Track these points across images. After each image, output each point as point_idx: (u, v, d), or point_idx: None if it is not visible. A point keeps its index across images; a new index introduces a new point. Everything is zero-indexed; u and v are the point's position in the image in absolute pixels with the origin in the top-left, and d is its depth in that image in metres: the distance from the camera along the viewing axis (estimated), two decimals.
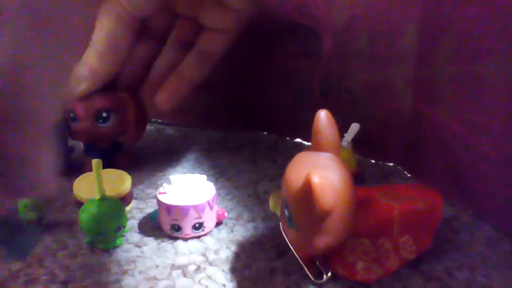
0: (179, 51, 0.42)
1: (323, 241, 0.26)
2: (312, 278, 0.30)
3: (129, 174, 0.38)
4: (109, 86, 0.39)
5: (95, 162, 0.31)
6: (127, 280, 0.30)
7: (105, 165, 0.32)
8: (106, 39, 0.35)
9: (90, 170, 0.33)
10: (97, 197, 0.32)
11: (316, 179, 0.24)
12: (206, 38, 0.40)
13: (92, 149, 0.41)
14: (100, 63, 0.36)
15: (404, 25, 0.38)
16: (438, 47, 0.35)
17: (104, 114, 0.38)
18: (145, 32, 0.38)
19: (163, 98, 0.41)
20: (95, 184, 0.32)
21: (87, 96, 0.38)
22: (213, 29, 0.39)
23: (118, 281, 0.30)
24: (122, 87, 0.40)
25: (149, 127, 0.44)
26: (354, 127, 0.39)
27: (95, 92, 0.38)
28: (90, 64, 0.36)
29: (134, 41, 0.37)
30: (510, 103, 0.31)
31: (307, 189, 0.25)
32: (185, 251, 0.33)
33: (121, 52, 0.37)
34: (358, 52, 0.41)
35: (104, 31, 0.35)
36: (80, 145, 0.45)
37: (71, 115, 0.39)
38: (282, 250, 0.32)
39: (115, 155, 0.42)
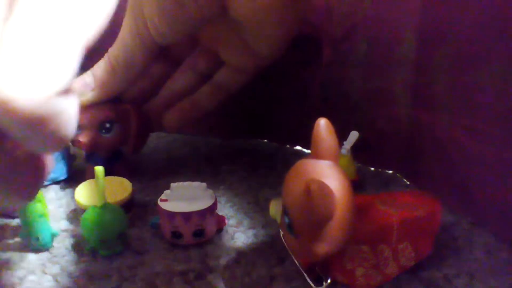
0: (197, 78, 0.42)
1: (322, 248, 0.27)
2: (312, 285, 0.30)
3: (130, 181, 0.38)
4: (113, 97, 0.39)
5: (98, 170, 0.31)
6: (128, 287, 0.30)
7: (106, 173, 0.32)
8: (123, 58, 0.35)
9: (92, 177, 0.33)
10: (99, 204, 0.32)
11: (315, 187, 0.24)
12: (224, 73, 0.41)
13: (93, 157, 0.41)
14: (111, 79, 0.36)
15: (403, 33, 0.38)
16: (437, 55, 0.36)
17: (107, 125, 0.39)
18: (162, 52, 0.37)
19: (173, 119, 0.42)
20: (97, 191, 0.32)
21: (91, 106, 0.38)
22: (233, 67, 0.40)
23: (119, 287, 0.30)
24: (127, 99, 0.40)
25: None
26: (353, 135, 0.39)
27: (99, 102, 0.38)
28: (101, 77, 0.36)
29: (150, 64, 0.37)
30: (508, 110, 0.31)
31: (307, 197, 0.25)
32: (185, 258, 0.33)
33: (135, 73, 0.36)
34: (358, 60, 0.41)
35: (123, 49, 0.35)
36: (81, 152, 0.45)
37: None
38: (282, 257, 0.33)
39: (116, 163, 0.42)
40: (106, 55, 0.36)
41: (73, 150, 0.43)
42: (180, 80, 0.43)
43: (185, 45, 0.41)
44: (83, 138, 0.39)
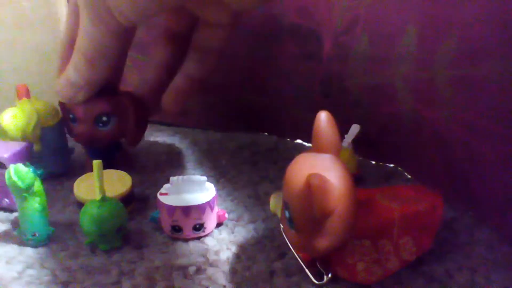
0: (172, 44, 0.42)
1: (323, 243, 0.26)
2: (313, 279, 0.30)
3: (130, 175, 0.38)
4: (109, 89, 0.39)
5: (96, 163, 0.31)
6: (128, 281, 0.30)
7: (105, 165, 0.32)
8: (95, 49, 0.35)
9: (91, 170, 0.33)
10: (98, 198, 0.32)
11: (316, 181, 0.24)
12: (204, 33, 0.40)
13: (93, 149, 0.41)
14: (92, 72, 0.36)
15: (404, 26, 0.38)
16: (438, 49, 0.35)
17: (104, 118, 0.38)
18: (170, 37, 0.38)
19: (171, 100, 0.42)
20: (96, 185, 0.32)
21: (87, 100, 0.38)
22: (211, 24, 0.39)
23: (118, 282, 0.30)
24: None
25: (149, 128, 0.44)
26: (355, 129, 0.39)
27: (95, 95, 0.38)
28: (83, 73, 0.36)
29: (124, 47, 0.37)
30: (508, 106, 0.31)
31: (307, 191, 0.25)
32: (185, 252, 0.33)
33: (113, 58, 0.36)
34: (359, 54, 0.41)
35: (93, 40, 0.35)
36: (80, 145, 0.45)
37: (71, 116, 0.39)
38: (282, 251, 0.32)
39: (115, 155, 0.42)
40: (75, 52, 0.36)
41: (71, 143, 0.43)
42: (158, 52, 0.43)
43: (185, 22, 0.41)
44: (79, 132, 0.38)
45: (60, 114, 0.41)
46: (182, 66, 0.41)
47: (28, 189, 0.31)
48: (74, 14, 0.36)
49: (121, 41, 0.36)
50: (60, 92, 0.38)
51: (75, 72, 0.36)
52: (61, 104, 0.40)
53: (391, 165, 0.44)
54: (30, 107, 0.39)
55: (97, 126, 0.39)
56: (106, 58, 0.36)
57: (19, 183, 0.31)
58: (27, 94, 0.40)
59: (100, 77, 0.37)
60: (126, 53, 0.38)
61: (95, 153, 0.40)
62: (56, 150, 0.41)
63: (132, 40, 0.37)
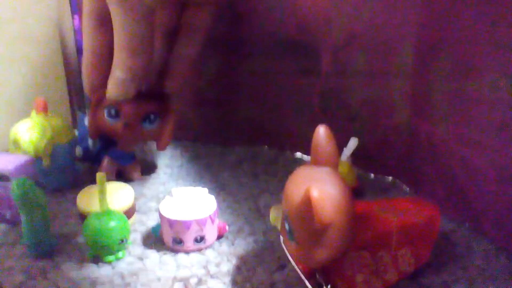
0: (163, 38, 0.43)
1: (322, 254, 0.27)
2: None
3: (132, 187, 0.38)
4: (155, 91, 0.41)
5: (100, 176, 0.32)
6: None
7: (117, 175, 0.32)
8: (133, 37, 0.37)
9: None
10: (101, 210, 0.32)
11: (315, 193, 0.25)
12: (191, 14, 0.42)
13: (113, 152, 0.43)
14: (135, 62, 0.38)
15: (401, 42, 0.39)
16: (434, 64, 0.36)
17: (152, 117, 0.41)
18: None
19: (174, 83, 0.43)
20: (99, 197, 0.32)
21: (138, 98, 0.40)
22: (197, 4, 0.41)
23: None
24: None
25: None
26: (353, 142, 0.40)
27: (144, 94, 0.40)
28: (129, 65, 0.38)
29: (152, 35, 0.39)
30: (502, 119, 0.32)
31: (306, 203, 0.25)
32: (186, 264, 0.33)
33: (151, 46, 0.38)
34: (357, 69, 0.42)
35: (128, 30, 0.37)
36: (83, 161, 0.46)
37: (112, 111, 0.40)
38: (282, 263, 0.33)
39: (129, 164, 0.43)
40: (116, 52, 0.38)
41: (77, 164, 0.44)
42: (159, 52, 0.44)
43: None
44: (120, 126, 0.40)
45: (73, 133, 0.42)
46: (173, 51, 0.43)
47: (32, 201, 0.32)
48: (91, 25, 0.39)
49: (150, 25, 0.37)
50: (112, 93, 0.39)
51: (121, 70, 0.38)
52: (97, 98, 0.41)
53: (389, 178, 0.44)
54: (45, 122, 0.40)
55: (142, 123, 0.41)
56: (143, 44, 0.37)
57: (23, 196, 0.31)
58: (45, 109, 0.40)
59: (143, 66, 0.38)
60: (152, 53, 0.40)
61: (115, 155, 0.42)
62: (64, 168, 0.41)
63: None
